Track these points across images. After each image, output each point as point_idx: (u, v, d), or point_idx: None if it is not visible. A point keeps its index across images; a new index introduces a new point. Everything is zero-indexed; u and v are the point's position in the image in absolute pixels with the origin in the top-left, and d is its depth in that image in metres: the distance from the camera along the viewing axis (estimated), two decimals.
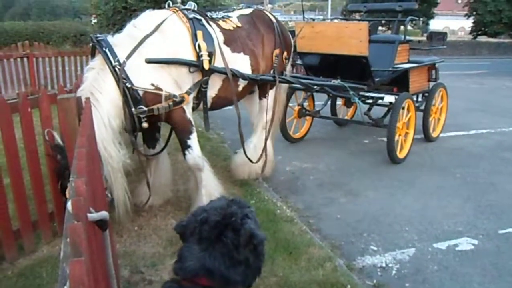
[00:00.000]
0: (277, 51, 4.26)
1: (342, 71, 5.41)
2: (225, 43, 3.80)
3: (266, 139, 4.42)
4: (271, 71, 4.24)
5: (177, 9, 3.66)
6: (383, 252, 3.42)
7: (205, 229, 1.52)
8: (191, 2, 3.83)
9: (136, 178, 4.14)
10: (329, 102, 6.64)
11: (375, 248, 3.48)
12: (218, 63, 3.68)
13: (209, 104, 3.86)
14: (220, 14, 3.99)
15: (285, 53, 4.41)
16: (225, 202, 1.61)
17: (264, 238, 1.60)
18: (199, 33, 3.52)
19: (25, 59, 8.48)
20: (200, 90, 3.66)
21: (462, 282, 3.02)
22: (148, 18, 3.50)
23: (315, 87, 4.91)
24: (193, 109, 3.79)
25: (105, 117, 3.13)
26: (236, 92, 3.95)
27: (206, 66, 3.50)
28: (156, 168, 4.01)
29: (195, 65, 3.47)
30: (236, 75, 3.77)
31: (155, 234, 3.54)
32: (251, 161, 4.31)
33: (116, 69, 3.16)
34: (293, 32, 5.30)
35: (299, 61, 6.03)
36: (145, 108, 3.28)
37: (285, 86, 4.83)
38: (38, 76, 8.70)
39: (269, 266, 3.05)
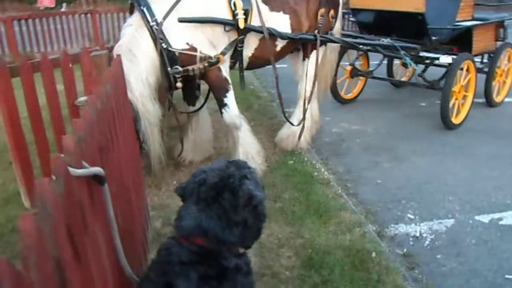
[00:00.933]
0: (322, 10, 4.05)
1: (397, 29, 5.10)
2: (263, 1, 3.68)
3: (305, 101, 4.31)
4: (316, 31, 4.07)
5: None
6: (419, 221, 3.30)
7: (203, 190, 1.54)
8: None
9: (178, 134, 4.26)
10: (385, 62, 6.31)
11: (411, 217, 3.37)
12: (255, 21, 3.59)
13: (245, 64, 3.81)
14: None
15: (332, 12, 4.20)
16: (224, 164, 1.60)
17: (263, 198, 1.59)
18: None
19: (88, 15, 8.80)
20: (236, 49, 3.62)
21: (500, 259, 2.85)
22: None
23: (362, 46, 4.66)
24: (230, 68, 3.76)
25: (143, 73, 3.20)
26: (273, 52, 3.87)
27: (241, 25, 3.43)
28: (196, 125, 4.08)
29: (230, 24, 3.41)
30: (273, 34, 3.67)
31: None
32: (291, 124, 4.26)
33: (154, 29, 3.20)
34: None
35: (352, 18, 5.74)
36: (180, 69, 3.31)
37: (335, 46, 4.65)
38: (101, 32, 9.02)
39: (297, 227, 3.06)
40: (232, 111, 3.71)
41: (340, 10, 4.45)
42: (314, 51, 4.22)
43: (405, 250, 2.96)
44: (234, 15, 3.44)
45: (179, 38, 3.29)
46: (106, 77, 1.99)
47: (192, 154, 4.10)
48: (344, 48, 5.38)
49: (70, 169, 1.18)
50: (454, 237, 3.09)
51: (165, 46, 3.23)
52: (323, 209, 3.28)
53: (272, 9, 3.75)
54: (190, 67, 3.33)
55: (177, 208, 3.08)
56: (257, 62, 3.90)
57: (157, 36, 3.17)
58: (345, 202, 3.42)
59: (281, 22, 3.80)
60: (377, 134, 5.05)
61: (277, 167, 4.03)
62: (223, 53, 3.45)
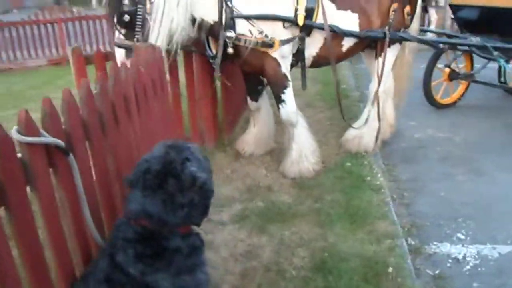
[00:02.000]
0: (395, 5, 3.80)
1: (502, 27, 4.55)
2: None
3: (374, 103, 4.12)
4: (386, 28, 3.84)
5: None
6: (469, 243, 2.96)
7: (148, 178, 1.64)
8: None
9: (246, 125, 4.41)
10: (493, 65, 5.63)
11: (461, 237, 3.03)
12: (321, 20, 3.52)
13: (309, 62, 3.77)
14: None
15: (407, 8, 3.91)
16: (164, 150, 1.67)
17: (206, 178, 1.65)
18: None
19: None
20: (298, 48, 3.60)
21: None
22: None
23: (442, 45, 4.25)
24: (292, 66, 3.75)
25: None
26: (338, 52, 3.77)
27: (300, 22, 3.40)
28: (258, 119, 4.17)
29: (288, 20, 3.40)
30: (335, 32, 3.56)
31: (240, 180, 3.77)
32: (352, 127, 4.12)
33: None
34: None
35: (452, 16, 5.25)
36: (234, 34, 3.35)
37: (414, 45, 4.34)
38: None
39: (325, 230, 2.99)
40: (289, 107, 3.72)
41: (419, 8, 4.12)
42: (388, 49, 4.00)
43: (437, 271, 2.69)
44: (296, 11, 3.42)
45: (245, 10, 3.33)
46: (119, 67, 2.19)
47: (253, 147, 4.20)
48: (439, 48, 4.97)
49: (21, 136, 1.39)
50: (503, 267, 2.72)
51: (230, 5, 3.28)
52: (361, 215, 3.13)
53: (339, 7, 3.64)
54: (243, 37, 3.35)
55: (219, 195, 3.24)
56: (322, 61, 3.83)
57: None
58: (387, 210, 3.22)
59: (348, 21, 3.67)
60: (462, 144, 4.57)
61: (333, 168, 3.93)
62: (280, 42, 3.43)
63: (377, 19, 3.80)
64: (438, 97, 5.58)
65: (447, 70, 5.40)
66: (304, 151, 3.82)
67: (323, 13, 3.49)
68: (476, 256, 2.82)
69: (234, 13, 3.27)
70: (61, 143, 1.57)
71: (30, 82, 8.59)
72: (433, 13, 9.23)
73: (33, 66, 9.90)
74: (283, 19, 3.40)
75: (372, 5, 3.75)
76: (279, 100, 3.71)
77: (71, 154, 1.64)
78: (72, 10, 12.39)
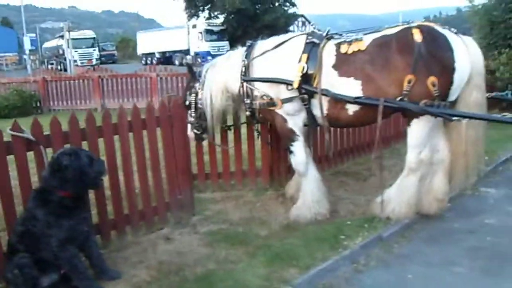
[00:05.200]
0: (409, 77, 3.77)
1: None
2: (333, 66, 4.01)
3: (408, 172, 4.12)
4: (401, 98, 3.85)
5: (306, 32, 4.27)
6: None
7: (48, 164, 3.16)
8: (329, 28, 4.30)
9: None
10: None
11: None
12: (324, 84, 4.03)
13: (325, 121, 4.20)
14: (352, 36, 4.10)
15: (431, 79, 3.75)
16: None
17: (70, 165, 3.02)
18: (304, 56, 4.07)
19: None
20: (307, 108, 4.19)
21: None
22: (280, 36, 4.42)
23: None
24: (306, 125, 4.32)
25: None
26: (345, 115, 4.08)
27: (295, 85, 4.03)
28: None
29: (286, 83, 4.09)
30: (325, 95, 3.96)
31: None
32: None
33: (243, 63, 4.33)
34: None
35: None
36: (248, 101, 4.33)
37: (476, 121, 3.99)
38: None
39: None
40: (298, 158, 4.32)
41: (457, 80, 3.85)
42: (415, 119, 3.98)
43: None
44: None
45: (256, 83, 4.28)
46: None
47: (294, 191, 4.76)
48: None
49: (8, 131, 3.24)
50: None
51: (242, 80, 4.32)
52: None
53: (342, 74, 3.98)
54: (254, 101, 4.28)
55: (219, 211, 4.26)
56: (333, 122, 4.24)
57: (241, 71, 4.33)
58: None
59: (350, 87, 3.94)
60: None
61: (327, 223, 4.17)
62: (282, 101, 4.14)
63: (390, 88, 3.86)
64: None
65: None
66: (307, 200, 4.28)
67: (321, 79, 4.00)
68: None
69: (242, 78, 4.30)
70: (32, 137, 3.33)
71: None
72: None
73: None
74: (284, 82, 4.13)
75: (381, 73, 3.88)
76: (289, 151, 4.37)
77: (41, 146, 3.37)
78: None
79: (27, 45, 34.34)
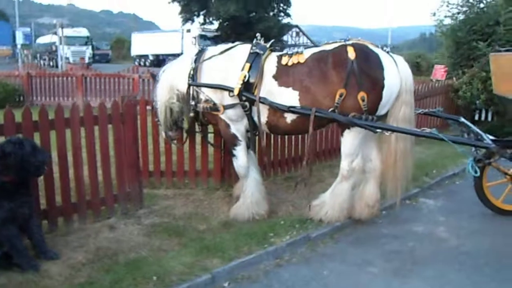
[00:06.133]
0: (341, 91, 4.11)
1: None
2: (273, 76, 4.33)
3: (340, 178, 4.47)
4: (332, 110, 4.19)
5: (251, 44, 4.54)
6: None
7: None
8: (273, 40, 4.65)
9: None
10: None
11: None
12: (264, 93, 4.34)
13: (266, 128, 4.54)
14: (294, 50, 4.43)
15: (361, 94, 4.09)
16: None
17: (11, 152, 3.30)
18: (246, 65, 4.38)
19: None
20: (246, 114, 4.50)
21: None
22: (228, 44, 4.72)
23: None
24: (254, 130, 4.60)
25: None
26: (283, 123, 4.40)
27: (235, 91, 4.32)
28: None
29: (228, 90, 4.38)
30: (263, 103, 4.28)
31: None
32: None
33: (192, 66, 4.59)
34: None
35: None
36: (192, 103, 4.59)
37: (404, 135, 4.32)
38: None
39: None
40: (239, 162, 4.63)
41: (386, 96, 4.21)
42: (347, 130, 4.31)
43: None
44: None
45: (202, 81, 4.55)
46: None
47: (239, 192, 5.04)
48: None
49: None
50: None
51: (190, 82, 4.56)
52: None
53: (281, 84, 4.31)
54: (199, 104, 4.56)
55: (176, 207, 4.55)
56: (273, 129, 4.57)
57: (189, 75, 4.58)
58: None
59: (287, 97, 4.27)
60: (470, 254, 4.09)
61: (262, 222, 4.48)
62: (225, 107, 4.41)
63: (325, 100, 4.19)
64: (498, 201, 4.79)
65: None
66: (247, 201, 4.58)
67: (260, 88, 4.31)
68: None
69: (189, 82, 4.58)
70: None
71: None
72: None
73: None
74: (225, 89, 4.42)
75: (318, 86, 4.20)
76: (231, 154, 4.67)
77: None
78: None
79: (19, 39, 34.41)
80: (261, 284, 3.49)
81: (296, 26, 48.80)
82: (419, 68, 24.29)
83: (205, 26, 40.33)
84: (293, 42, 45.24)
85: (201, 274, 3.42)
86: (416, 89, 8.39)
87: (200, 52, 4.73)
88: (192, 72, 4.58)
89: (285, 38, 43.09)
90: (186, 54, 5.06)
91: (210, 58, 4.59)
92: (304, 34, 51.65)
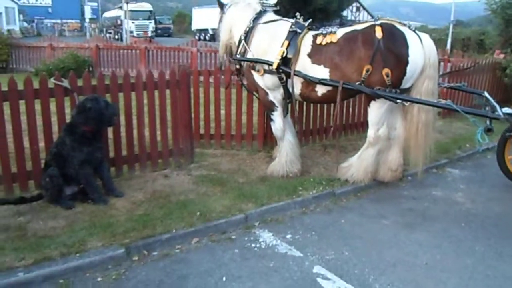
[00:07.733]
0: (368, 67, 4.56)
1: None
2: (308, 54, 4.85)
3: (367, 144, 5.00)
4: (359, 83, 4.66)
5: (293, 21, 5.09)
6: None
7: (77, 106, 4.33)
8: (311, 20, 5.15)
9: None
10: None
11: None
12: (298, 68, 4.88)
13: (297, 97, 5.13)
14: (328, 29, 4.93)
15: (386, 70, 4.53)
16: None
17: (92, 106, 4.16)
18: (285, 42, 4.96)
19: None
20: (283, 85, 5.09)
21: None
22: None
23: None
24: (287, 98, 5.19)
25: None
26: (314, 95, 4.97)
27: (274, 66, 4.89)
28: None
29: (267, 64, 4.97)
30: (297, 76, 4.83)
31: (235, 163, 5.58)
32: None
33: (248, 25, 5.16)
34: None
35: None
36: (239, 56, 5.19)
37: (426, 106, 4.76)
38: None
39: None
40: (276, 125, 5.26)
41: (410, 71, 4.63)
42: (373, 101, 4.82)
43: None
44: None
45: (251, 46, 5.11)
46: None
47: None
48: None
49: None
50: None
51: (242, 38, 5.14)
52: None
53: (313, 61, 4.83)
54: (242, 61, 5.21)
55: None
56: (305, 99, 5.16)
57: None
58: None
59: (320, 73, 4.79)
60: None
61: (295, 179, 5.12)
62: (265, 70, 4.97)
63: (353, 75, 4.68)
64: None
65: None
66: (282, 160, 5.23)
67: (296, 64, 4.87)
68: None
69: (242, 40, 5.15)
70: (68, 86, 4.50)
71: None
72: None
73: None
74: (266, 63, 5.00)
75: (347, 63, 4.69)
76: (270, 119, 5.32)
77: (75, 93, 4.54)
78: None
79: (87, 14, 36.51)
80: (285, 225, 4.16)
81: (357, 1, 47.80)
82: (482, 46, 23.42)
83: (264, 1, 40.37)
84: (352, 18, 44.44)
85: (236, 214, 4.15)
86: (460, 66, 8.59)
87: (260, 14, 5.24)
88: (247, 30, 5.14)
89: (344, 13, 42.39)
90: (248, 6, 5.35)
91: (265, 23, 5.12)
92: (364, 9, 50.48)
